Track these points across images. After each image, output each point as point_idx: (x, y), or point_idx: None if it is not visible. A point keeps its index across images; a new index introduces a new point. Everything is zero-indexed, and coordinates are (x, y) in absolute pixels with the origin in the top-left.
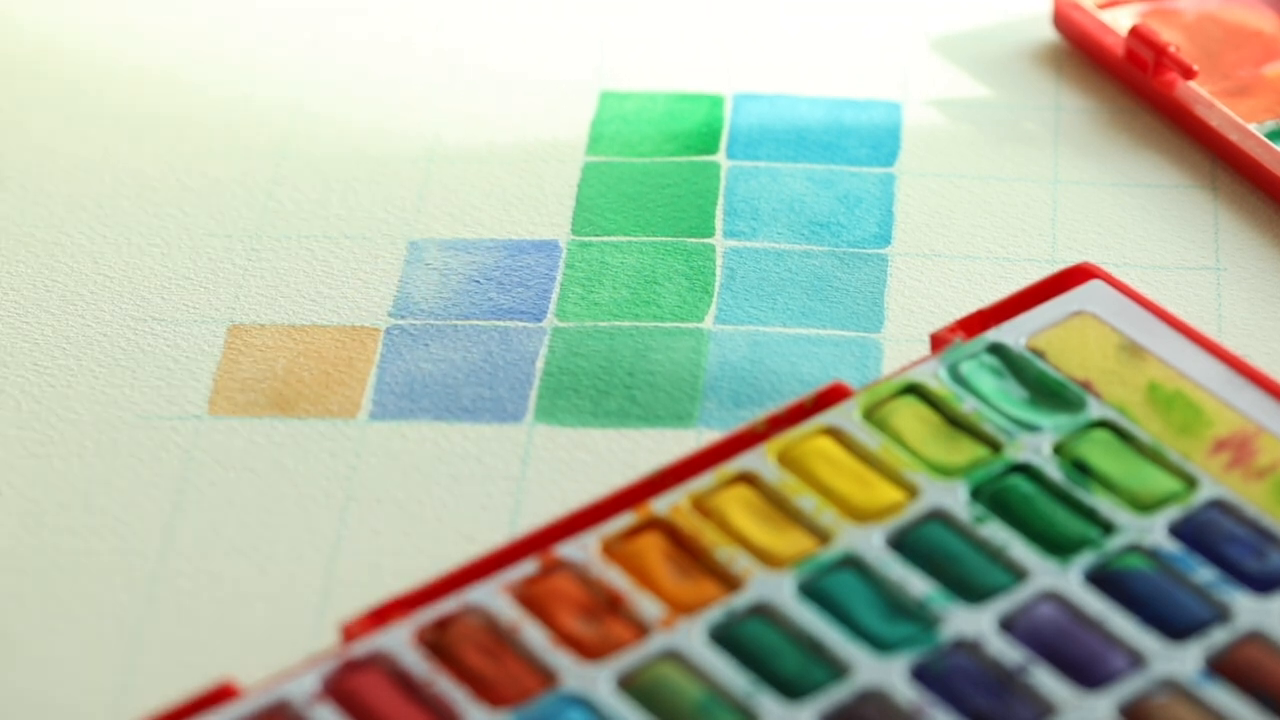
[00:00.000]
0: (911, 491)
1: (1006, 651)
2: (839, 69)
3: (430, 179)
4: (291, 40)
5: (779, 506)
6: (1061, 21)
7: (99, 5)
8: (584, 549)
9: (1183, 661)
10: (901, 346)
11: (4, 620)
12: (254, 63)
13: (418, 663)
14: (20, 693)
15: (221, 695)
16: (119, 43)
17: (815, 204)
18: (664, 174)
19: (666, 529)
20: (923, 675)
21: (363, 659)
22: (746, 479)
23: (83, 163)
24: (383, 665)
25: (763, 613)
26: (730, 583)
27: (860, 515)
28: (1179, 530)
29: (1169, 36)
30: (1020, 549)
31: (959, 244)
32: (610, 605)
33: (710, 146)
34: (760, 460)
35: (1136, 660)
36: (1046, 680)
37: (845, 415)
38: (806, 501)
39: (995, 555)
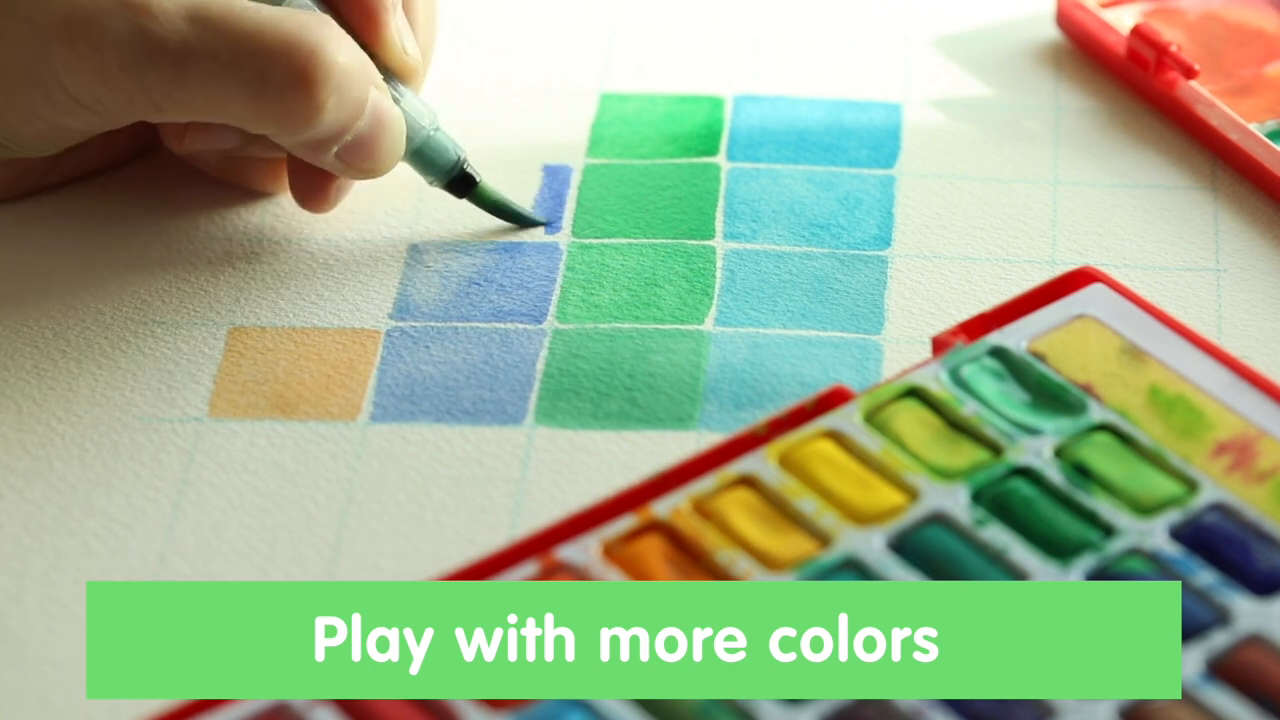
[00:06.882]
0: (912, 494)
1: None
2: (839, 70)
3: None
4: None
5: (780, 509)
6: (1064, 20)
7: None
8: (585, 551)
9: (1183, 664)
10: (902, 348)
11: (4, 620)
12: None
13: None
14: (20, 693)
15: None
16: None
17: (815, 206)
18: (664, 176)
19: (667, 531)
20: None
21: None
22: (747, 482)
23: None
24: None
25: None
26: None
27: (861, 518)
28: (1179, 533)
29: (1171, 35)
30: (1021, 552)
31: (959, 245)
32: None
33: (710, 148)
34: (761, 463)
35: None
36: None
37: (846, 418)
38: (807, 504)
39: (996, 558)
